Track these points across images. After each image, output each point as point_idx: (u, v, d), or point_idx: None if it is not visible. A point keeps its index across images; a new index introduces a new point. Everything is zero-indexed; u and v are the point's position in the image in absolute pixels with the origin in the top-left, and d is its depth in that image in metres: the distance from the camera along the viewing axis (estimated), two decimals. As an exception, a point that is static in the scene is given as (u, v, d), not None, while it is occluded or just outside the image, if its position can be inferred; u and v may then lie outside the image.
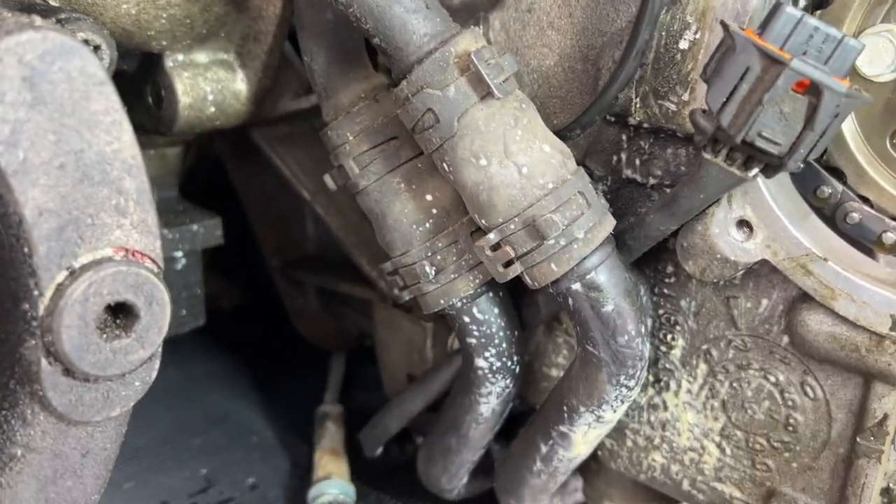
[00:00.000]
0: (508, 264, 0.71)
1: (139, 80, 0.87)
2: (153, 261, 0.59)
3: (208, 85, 0.85)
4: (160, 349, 0.61)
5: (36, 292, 0.54)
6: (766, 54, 0.60)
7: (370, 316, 1.08)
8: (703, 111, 0.66)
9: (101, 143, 0.54)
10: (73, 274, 0.55)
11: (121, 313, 0.58)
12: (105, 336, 0.57)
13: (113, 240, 0.57)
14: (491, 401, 0.83)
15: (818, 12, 0.73)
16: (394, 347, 1.00)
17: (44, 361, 0.55)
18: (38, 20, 0.52)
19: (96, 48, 0.68)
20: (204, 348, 1.40)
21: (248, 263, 1.37)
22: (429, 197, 0.77)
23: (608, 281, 0.70)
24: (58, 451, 0.59)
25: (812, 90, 0.60)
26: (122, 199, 0.56)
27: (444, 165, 0.70)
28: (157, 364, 0.62)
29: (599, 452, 0.89)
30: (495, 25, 0.84)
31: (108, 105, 0.54)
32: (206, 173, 1.12)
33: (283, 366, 1.40)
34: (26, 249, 0.53)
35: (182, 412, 1.26)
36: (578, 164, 0.73)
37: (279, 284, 1.23)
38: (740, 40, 0.61)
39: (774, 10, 0.62)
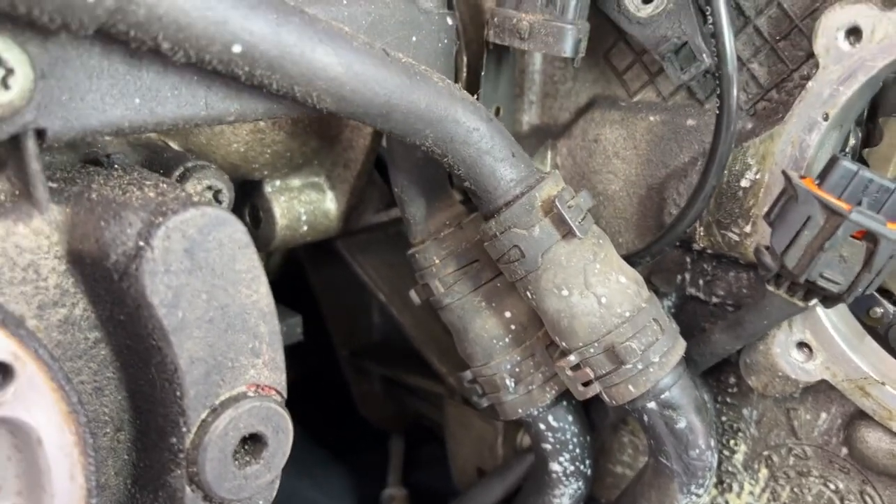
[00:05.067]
0: (587, 384, 0.77)
1: (237, 202, 0.95)
2: (279, 392, 0.67)
3: (302, 206, 0.93)
4: (280, 471, 0.68)
5: (184, 429, 0.61)
6: (827, 206, 0.66)
7: (437, 406, 1.14)
8: (767, 248, 0.72)
9: (242, 297, 0.62)
10: (215, 411, 0.62)
11: (251, 441, 0.65)
12: (238, 464, 0.64)
13: (248, 378, 0.64)
14: (564, 502, 0.88)
15: (866, 150, 0.80)
16: (464, 442, 1.07)
17: (188, 489, 0.62)
18: (194, 195, 0.61)
19: (218, 192, 0.77)
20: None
21: (308, 343, 1.44)
22: (507, 314, 0.84)
23: (681, 399, 0.76)
24: (193, 566, 0.66)
25: (869, 237, 0.67)
26: (256, 343, 0.64)
27: (528, 293, 0.77)
28: (277, 483, 0.69)
29: (663, 547, 0.94)
30: (563, 151, 0.92)
31: (251, 264, 0.62)
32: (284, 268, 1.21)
33: (342, 441, 1.46)
34: (178, 393, 0.61)
35: (250, 492, 1.32)
36: (644, 280, 0.80)
37: (347, 372, 1.30)
38: (802, 192, 0.68)
39: (832, 164, 0.68)
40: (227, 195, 0.78)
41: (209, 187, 0.76)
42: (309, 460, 1.41)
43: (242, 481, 0.64)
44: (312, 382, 1.52)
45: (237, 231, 0.61)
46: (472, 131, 0.72)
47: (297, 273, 1.27)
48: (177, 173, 0.75)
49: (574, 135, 0.91)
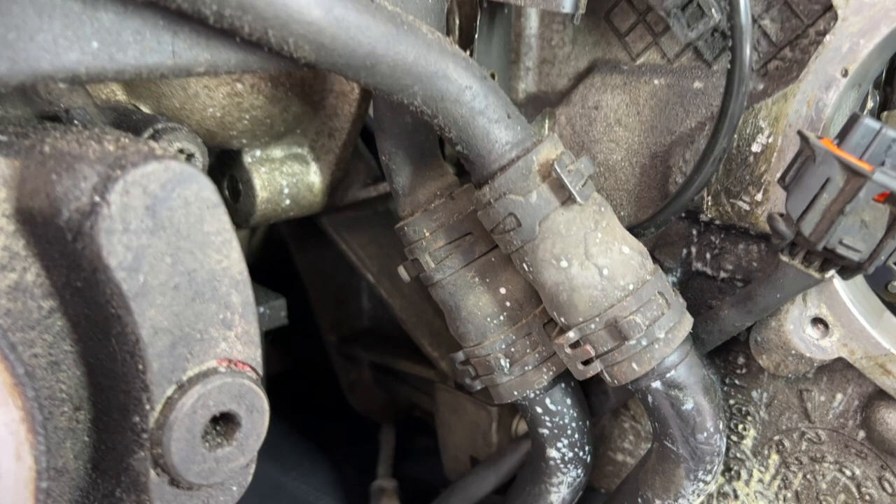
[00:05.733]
0: (588, 362, 0.72)
1: (214, 173, 0.90)
2: (253, 369, 0.61)
3: (284, 179, 0.88)
4: (256, 454, 0.63)
5: (147, 406, 0.56)
6: (848, 166, 0.61)
7: (428, 394, 1.09)
8: (781, 215, 0.67)
9: (212, 262, 0.57)
10: (182, 388, 0.57)
11: (222, 421, 0.60)
12: (208, 445, 0.58)
13: (218, 352, 0.59)
14: (562, 490, 0.83)
15: (885, 113, 0.75)
16: (456, 429, 1.01)
17: (152, 472, 0.57)
18: (157, 148, 0.55)
19: (190, 156, 0.71)
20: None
21: (295, 330, 1.39)
22: (502, 290, 0.79)
23: (688, 379, 0.71)
24: (159, 556, 0.61)
25: (893, 200, 0.62)
26: (228, 314, 0.58)
27: (524, 266, 0.72)
28: (252, 468, 0.63)
29: (667, 539, 0.89)
30: (561, 120, 0.87)
31: (220, 226, 0.56)
32: (268, 252, 1.15)
33: (331, 432, 1.41)
34: (140, 366, 0.55)
35: (235, 484, 1.26)
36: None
37: (335, 360, 1.25)
38: (821, 152, 0.63)
39: (852, 122, 0.63)
40: (201, 160, 0.72)
41: (181, 150, 0.71)
42: (295, 452, 1.36)
43: (213, 464, 0.59)
44: (298, 370, 1.47)
45: (205, 189, 0.55)
46: (465, 89, 0.67)
47: (281, 253, 1.22)
48: (146, 135, 0.70)
49: (573, 102, 0.85)
